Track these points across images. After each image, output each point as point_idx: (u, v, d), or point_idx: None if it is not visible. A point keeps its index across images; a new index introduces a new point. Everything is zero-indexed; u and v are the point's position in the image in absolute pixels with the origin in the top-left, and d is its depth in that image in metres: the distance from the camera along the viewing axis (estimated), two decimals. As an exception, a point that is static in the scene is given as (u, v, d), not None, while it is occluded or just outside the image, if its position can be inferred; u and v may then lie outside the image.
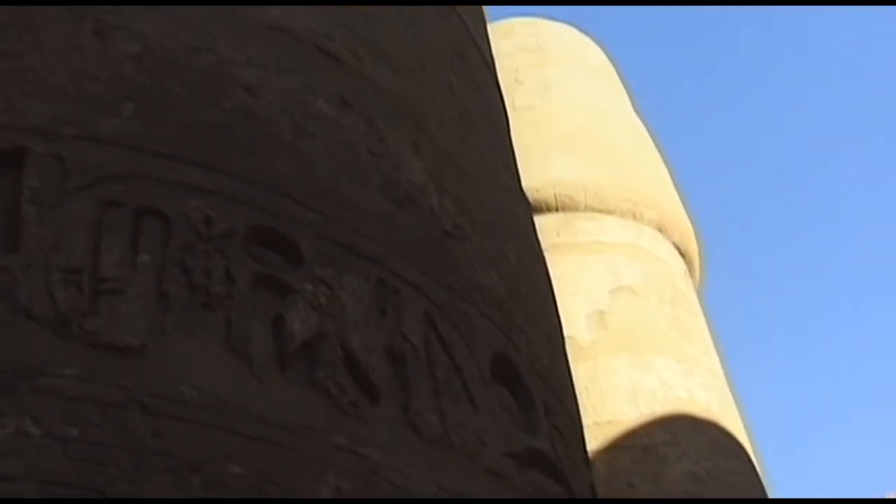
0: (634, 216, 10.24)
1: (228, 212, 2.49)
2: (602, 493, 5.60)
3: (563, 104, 10.72)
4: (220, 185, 2.55)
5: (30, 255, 2.31)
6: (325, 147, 2.81)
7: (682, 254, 10.76)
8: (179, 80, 2.74)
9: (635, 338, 9.34)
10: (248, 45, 2.93)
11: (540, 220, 5.17)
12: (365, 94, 3.08)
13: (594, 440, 7.85)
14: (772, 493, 9.76)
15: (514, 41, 11.09)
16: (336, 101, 2.96)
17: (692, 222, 11.14)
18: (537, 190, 9.21)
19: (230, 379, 2.32)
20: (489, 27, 4.82)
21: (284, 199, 2.60)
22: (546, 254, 4.00)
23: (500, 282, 3.15)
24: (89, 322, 2.24)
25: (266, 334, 2.43)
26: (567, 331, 3.95)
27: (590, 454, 3.78)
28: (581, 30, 12.06)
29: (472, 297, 2.95)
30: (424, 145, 3.14)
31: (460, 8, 4.17)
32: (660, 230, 10.46)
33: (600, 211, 10.06)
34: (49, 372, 2.16)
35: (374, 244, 2.72)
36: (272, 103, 2.81)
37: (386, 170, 2.93)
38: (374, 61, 3.22)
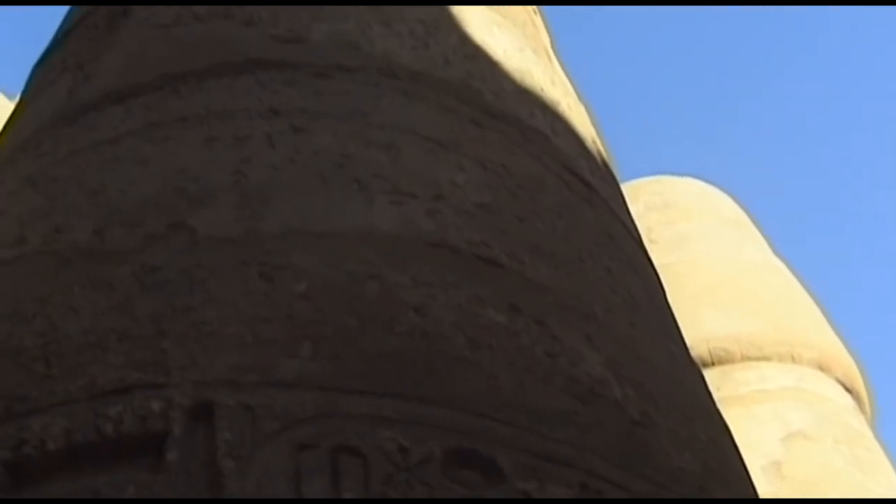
0: (793, 358, 10.03)
1: (422, 438, 2.48)
2: None
3: (702, 257, 10.67)
4: (408, 411, 2.54)
5: (235, 511, 2.32)
6: (504, 357, 2.80)
7: (847, 389, 10.48)
8: (350, 311, 2.77)
9: (816, 484, 9.05)
10: (410, 266, 2.97)
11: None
12: (531, 296, 3.08)
13: None
14: None
15: (640, 202, 11.14)
16: (505, 308, 2.96)
17: (853, 355, 10.86)
18: (691, 348, 9.03)
19: None
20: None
21: (475, 417, 2.58)
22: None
23: (696, 462, 3.06)
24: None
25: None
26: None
27: None
28: (706, 180, 12.06)
29: (672, 485, 2.87)
30: (596, 336, 3.11)
31: (598, 184, 4.19)
32: (821, 369, 10.22)
33: (757, 359, 9.89)
34: None
35: (568, 448, 2.67)
36: (444, 320, 2.82)
37: (565, 368, 2.90)
38: (534, 261, 3.23)
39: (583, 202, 3.88)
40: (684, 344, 4.04)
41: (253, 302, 2.80)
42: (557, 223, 3.55)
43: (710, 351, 9.83)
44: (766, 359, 9.91)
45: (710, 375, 9.56)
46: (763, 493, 8.82)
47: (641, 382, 3.12)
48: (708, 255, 10.68)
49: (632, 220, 4.51)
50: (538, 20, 5.52)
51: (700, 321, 9.97)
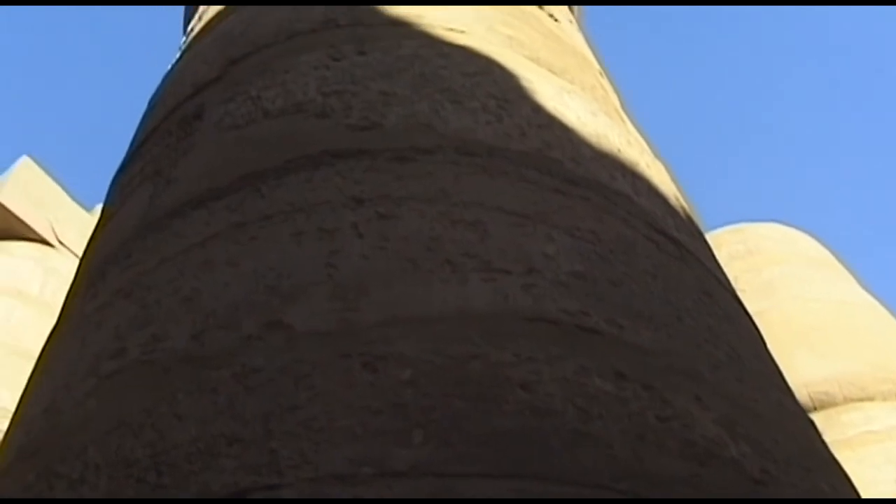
0: (898, 396, 9.82)
1: (542, 517, 2.44)
2: None
3: (793, 301, 10.52)
4: (527, 490, 2.50)
5: None
6: (616, 425, 2.75)
7: (956, 422, 10.21)
8: (457, 394, 2.75)
9: (934, 524, 8.82)
10: (511, 342, 2.94)
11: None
12: (636, 361, 3.04)
13: None
14: None
15: (722, 251, 11.04)
16: (611, 375, 2.92)
17: (960, 385, 10.59)
18: (791, 395, 8.90)
19: None
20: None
21: (595, 490, 2.53)
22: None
23: (822, 517, 2.98)
24: None
25: None
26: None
27: None
28: (789, 224, 11.92)
29: (801, 541, 2.79)
30: (706, 395, 3.05)
31: (687, 240, 4.14)
32: (927, 403, 9.99)
33: (860, 399, 9.69)
34: None
35: (692, 514, 2.61)
36: (552, 394, 2.78)
37: (678, 431, 2.85)
38: (633, 325, 3.19)
39: (674, 260, 3.84)
40: (791, 393, 3.96)
41: (359, 393, 2.78)
42: (652, 285, 3.51)
43: (810, 396, 9.65)
44: (870, 398, 9.71)
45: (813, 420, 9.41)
46: (883, 537, 8.62)
47: (757, 438, 3.05)
48: (798, 298, 10.52)
49: (723, 273, 4.45)
50: (605, 82, 5.52)
51: (797, 366, 9.81)
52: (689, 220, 4.56)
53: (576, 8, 7.96)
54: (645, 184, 4.31)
